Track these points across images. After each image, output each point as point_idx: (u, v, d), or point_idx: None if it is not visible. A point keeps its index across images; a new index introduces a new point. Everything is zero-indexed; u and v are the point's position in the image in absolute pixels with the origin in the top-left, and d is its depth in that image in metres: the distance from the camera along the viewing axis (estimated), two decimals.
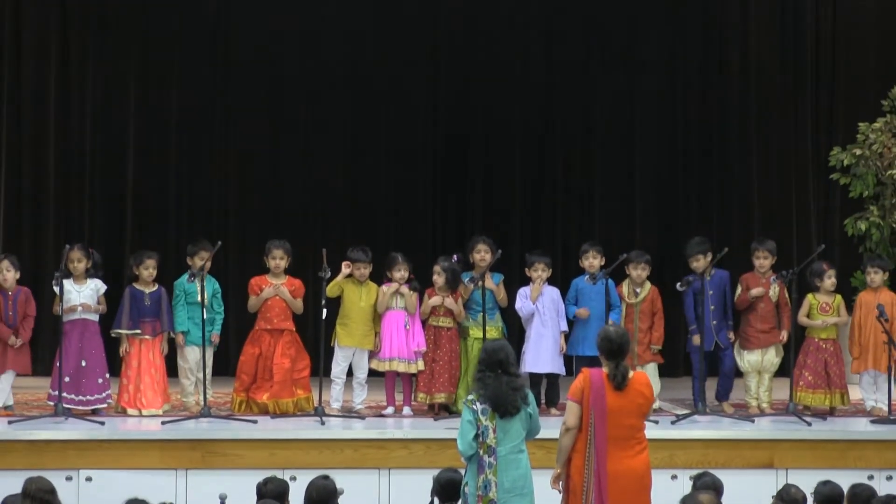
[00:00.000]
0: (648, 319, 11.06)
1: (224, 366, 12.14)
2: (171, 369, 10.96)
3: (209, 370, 10.70)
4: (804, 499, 7.30)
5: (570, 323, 10.98)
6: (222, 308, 11.07)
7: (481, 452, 7.53)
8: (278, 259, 10.81)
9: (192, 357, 10.80)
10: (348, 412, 10.68)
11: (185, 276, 10.81)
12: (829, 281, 10.98)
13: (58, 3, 13.60)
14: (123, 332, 10.64)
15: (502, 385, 7.57)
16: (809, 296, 11.02)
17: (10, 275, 10.53)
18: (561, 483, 7.70)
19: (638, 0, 14.14)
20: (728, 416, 10.77)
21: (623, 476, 7.53)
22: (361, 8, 13.89)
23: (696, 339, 10.95)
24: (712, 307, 10.85)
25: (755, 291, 10.98)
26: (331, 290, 10.68)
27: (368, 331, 10.81)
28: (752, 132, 14.20)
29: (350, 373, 10.86)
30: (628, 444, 7.60)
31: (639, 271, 11.08)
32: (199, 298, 10.63)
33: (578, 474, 7.57)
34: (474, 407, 7.56)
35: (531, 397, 7.72)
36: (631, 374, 7.65)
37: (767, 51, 14.23)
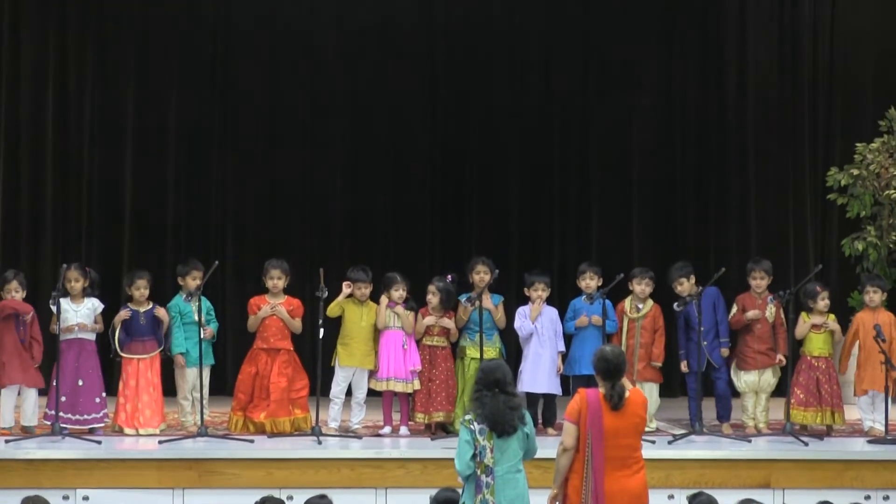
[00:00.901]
0: (650, 335, 11.04)
1: (221, 385, 12.18)
2: (169, 389, 10.96)
3: (206, 389, 10.70)
4: None
5: (567, 343, 10.99)
6: (216, 325, 11.11)
7: (479, 472, 7.51)
8: (276, 279, 10.82)
9: (191, 377, 10.79)
10: (345, 432, 10.67)
11: (179, 297, 10.83)
12: (823, 302, 10.96)
13: (56, 18, 13.67)
14: (115, 346, 10.67)
15: (500, 404, 7.55)
16: (804, 314, 11.02)
17: (19, 295, 10.57)
18: (558, 503, 7.70)
19: (635, 20, 14.18)
20: (725, 436, 10.77)
21: (620, 496, 7.52)
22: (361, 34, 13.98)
23: (683, 366, 10.99)
24: (702, 328, 10.86)
25: (751, 314, 10.98)
26: (331, 310, 10.68)
27: (369, 351, 10.80)
28: (749, 152, 14.23)
29: (349, 392, 10.86)
30: (626, 463, 7.59)
31: (643, 286, 11.08)
32: (196, 318, 10.64)
33: (576, 494, 7.56)
34: (472, 426, 7.55)
35: (528, 417, 7.71)
36: (627, 394, 7.66)
37: (765, 71, 14.27)
